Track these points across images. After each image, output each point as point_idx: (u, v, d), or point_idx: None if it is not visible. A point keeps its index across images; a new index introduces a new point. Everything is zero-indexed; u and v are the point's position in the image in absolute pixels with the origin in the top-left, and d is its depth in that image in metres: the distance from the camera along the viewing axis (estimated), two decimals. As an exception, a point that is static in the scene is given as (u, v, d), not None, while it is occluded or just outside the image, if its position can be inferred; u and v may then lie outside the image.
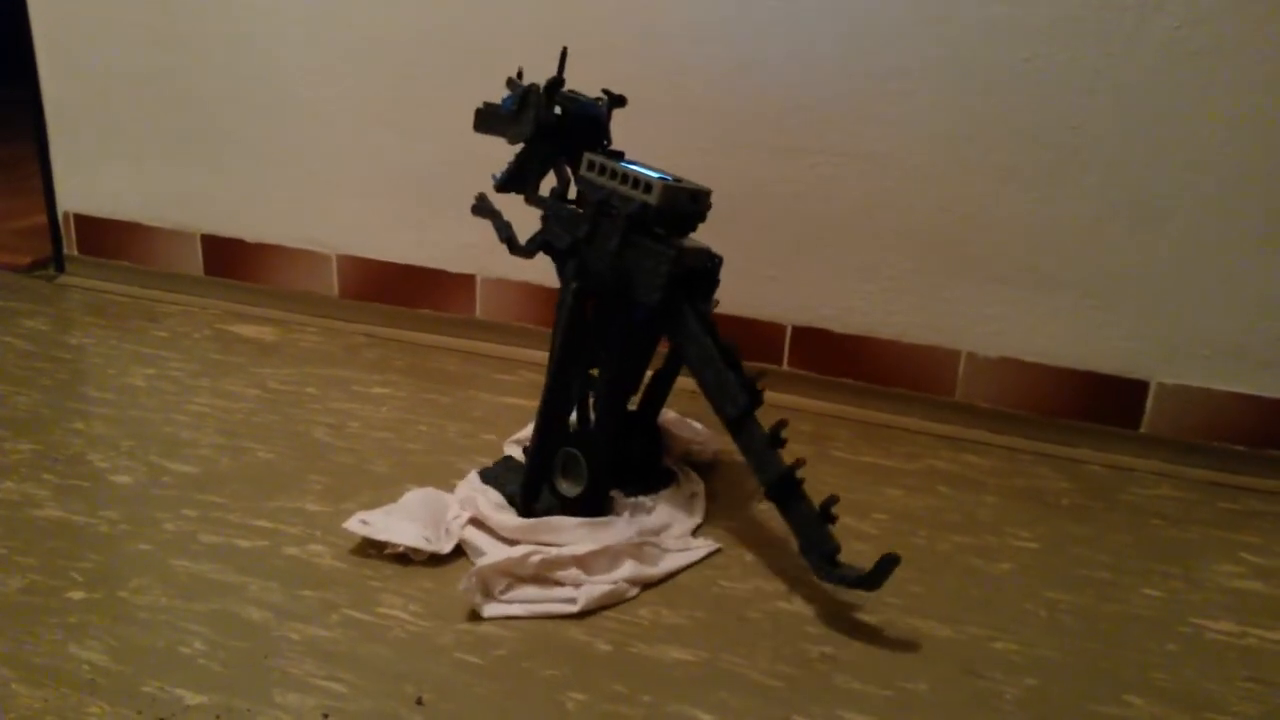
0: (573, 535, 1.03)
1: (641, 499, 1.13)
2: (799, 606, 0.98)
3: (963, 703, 0.87)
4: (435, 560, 1.02)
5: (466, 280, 1.59)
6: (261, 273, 1.70)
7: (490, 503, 1.08)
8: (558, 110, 1.09)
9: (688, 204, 1.05)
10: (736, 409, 1.01)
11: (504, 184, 1.13)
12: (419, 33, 1.50)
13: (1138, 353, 1.32)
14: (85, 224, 1.78)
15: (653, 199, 1.02)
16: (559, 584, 0.98)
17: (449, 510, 1.08)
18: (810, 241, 1.41)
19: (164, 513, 1.08)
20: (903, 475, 1.26)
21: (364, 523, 1.03)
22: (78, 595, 0.94)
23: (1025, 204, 1.31)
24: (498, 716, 0.82)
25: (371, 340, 1.60)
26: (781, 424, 1.01)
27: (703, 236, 1.09)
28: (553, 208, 1.11)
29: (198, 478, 1.16)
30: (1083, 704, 0.87)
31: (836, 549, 0.96)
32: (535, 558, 0.98)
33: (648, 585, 1.01)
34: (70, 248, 1.81)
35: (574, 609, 0.96)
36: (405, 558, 1.02)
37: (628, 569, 1.00)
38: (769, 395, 1.46)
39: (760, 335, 1.46)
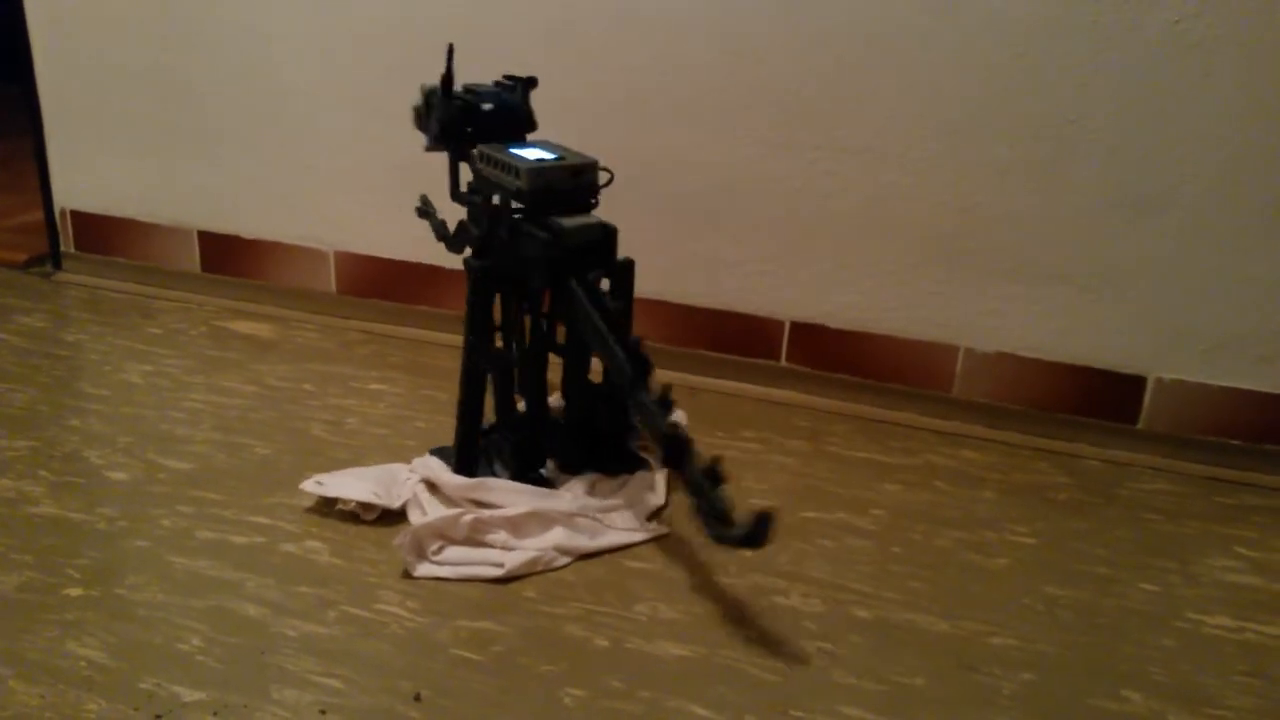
0: (508, 498, 1.06)
1: (597, 477, 1.14)
2: (796, 602, 0.98)
3: (960, 697, 0.87)
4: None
5: (463, 276, 1.58)
6: (258, 269, 1.70)
7: (441, 465, 1.12)
8: (459, 107, 1.11)
9: (565, 181, 1.06)
10: (623, 379, 1.01)
11: (452, 194, 1.17)
12: (416, 28, 1.50)
13: (1135, 347, 1.32)
14: (82, 220, 1.78)
15: (521, 183, 1.03)
16: (489, 546, 1.01)
17: (401, 475, 1.13)
18: (808, 237, 1.40)
19: (160, 509, 1.08)
20: (900, 471, 1.26)
21: (319, 483, 1.09)
22: (75, 592, 0.94)
23: (1023, 198, 1.31)
24: (496, 712, 0.82)
25: (369, 336, 1.60)
26: (668, 388, 1.01)
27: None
28: (467, 201, 1.14)
29: (194, 474, 1.15)
30: (1080, 699, 0.87)
31: (726, 508, 0.92)
32: (467, 518, 1.02)
33: (583, 556, 1.02)
34: (67, 244, 1.80)
35: (500, 573, 0.98)
36: (356, 516, 1.06)
37: (557, 536, 1.02)
38: (767, 391, 1.47)
39: (758, 331, 1.46)
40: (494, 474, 1.12)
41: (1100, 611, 1.00)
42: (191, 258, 1.73)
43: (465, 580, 0.98)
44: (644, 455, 1.21)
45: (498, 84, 1.16)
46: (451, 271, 1.59)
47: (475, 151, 1.11)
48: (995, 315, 1.36)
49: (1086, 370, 1.34)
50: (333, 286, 1.66)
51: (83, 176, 1.76)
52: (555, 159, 1.06)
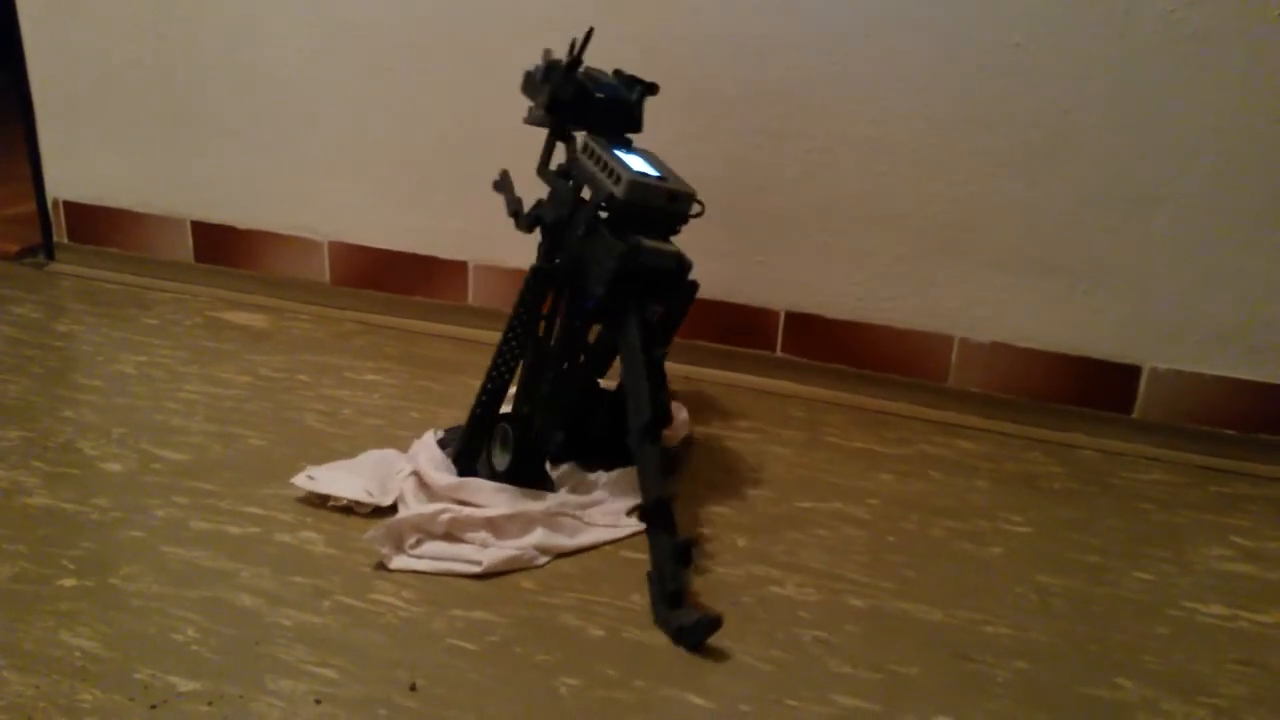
0: (490, 499, 1.06)
1: (585, 474, 1.14)
2: (791, 591, 0.99)
3: (954, 686, 0.87)
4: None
5: (459, 267, 1.58)
6: (253, 259, 1.69)
7: (432, 460, 1.11)
8: (575, 89, 1.08)
9: (661, 202, 1.04)
10: (639, 422, 1.01)
11: (540, 163, 1.13)
12: (411, 17, 1.49)
13: (1130, 337, 1.32)
14: (75, 211, 1.77)
15: (619, 191, 1.01)
16: (468, 544, 1.01)
17: (396, 466, 1.13)
18: (803, 227, 1.40)
19: (155, 500, 1.08)
20: (895, 460, 1.26)
21: (310, 478, 1.08)
22: (69, 583, 0.94)
23: (1018, 189, 1.31)
24: (491, 702, 0.82)
25: (363, 327, 1.60)
26: (675, 454, 1.02)
27: (699, 221, 1.09)
28: (553, 183, 1.11)
29: (189, 465, 1.15)
30: (1073, 687, 0.88)
31: (678, 591, 0.92)
32: (445, 515, 1.02)
33: (561, 555, 1.02)
34: (60, 235, 1.79)
35: (477, 570, 0.98)
36: (349, 510, 1.06)
37: (538, 536, 1.02)
38: (762, 381, 1.47)
39: (753, 321, 1.46)
40: (492, 460, 1.12)
41: (1094, 600, 1.00)
42: (185, 248, 1.73)
43: (442, 575, 0.98)
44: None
45: (617, 74, 1.14)
46: (446, 262, 1.59)
47: (582, 140, 1.08)
48: (990, 305, 1.36)
49: (1081, 360, 1.34)
50: (327, 277, 1.66)
51: (75, 167, 1.75)
52: (657, 176, 1.04)
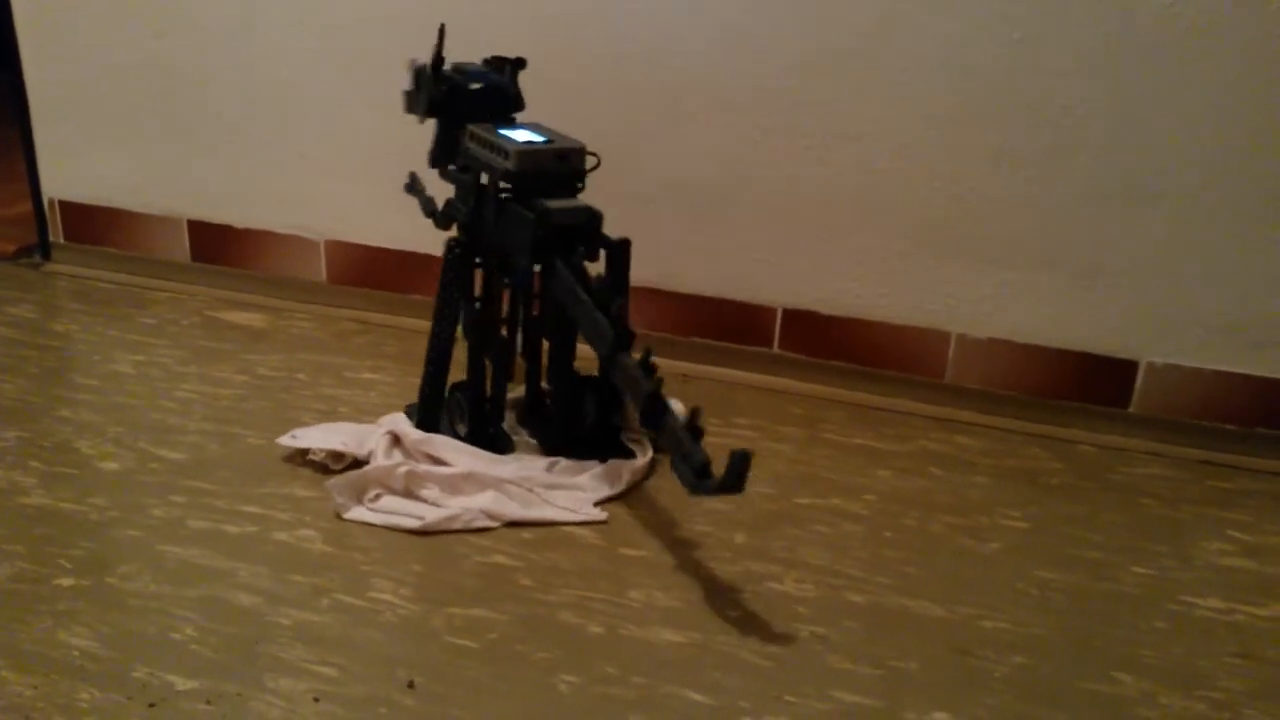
0: (451, 456, 1.10)
1: (559, 460, 1.15)
2: (790, 587, 0.99)
3: (954, 681, 0.87)
4: (427, 545, 1.01)
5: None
6: (250, 259, 1.69)
7: (407, 420, 1.18)
8: (447, 87, 1.13)
9: (552, 164, 1.08)
10: (605, 346, 1.02)
11: (430, 161, 1.19)
12: (407, 15, 1.49)
13: (1128, 333, 1.32)
14: (71, 211, 1.77)
15: (510, 164, 1.05)
16: (421, 500, 1.05)
17: (372, 430, 1.18)
18: (801, 224, 1.40)
19: (152, 499, 1.08)
20: (894, 457, 1.26)
21: (294, 436, 1.15)
22: (67, 582, 0.94)
23: (1016, 184, 1.31)
24: (490, 699, 0.82)
25: (361, 326, 1.59)
26: (649, 351, 1.00)
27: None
28: (455, 179, 1.16)
29: (186, 464, 1.15)
30: (1073, 681, 0.88)
31: (705, 461, 0.93)
32: (402, 469, 1.06)
33: (515, 524, 1.05)
34: (56, 235, 1.79)
35: (418, 525, 1.02)
36: (325, 467, 1.11)
37: (486, 499, 1.05)
38: (760, 378, 1.47)
39: (751, 318, 1.46)
40: (453, 431, 1.17)
41: (1092, 595, 1.00)
42: (182, 247, 1.72)
43: (389, 529, 1.02)
44: (631, 447, 1.20)
45: (486, 63, 1.17)
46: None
47: (466, 130, 1.12)
48: (988, 301, 1.36)
49: (1079, 355, 1.34)
50: (324, 276, 1.66)
51: (71, 166, 1.75)
52: (544, 142, 1.08)
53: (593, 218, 1.08)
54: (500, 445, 1.17)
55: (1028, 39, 1.26)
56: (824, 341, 1.44)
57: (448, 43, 1.12)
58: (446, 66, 1.15)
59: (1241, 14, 1.18)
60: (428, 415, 1.20)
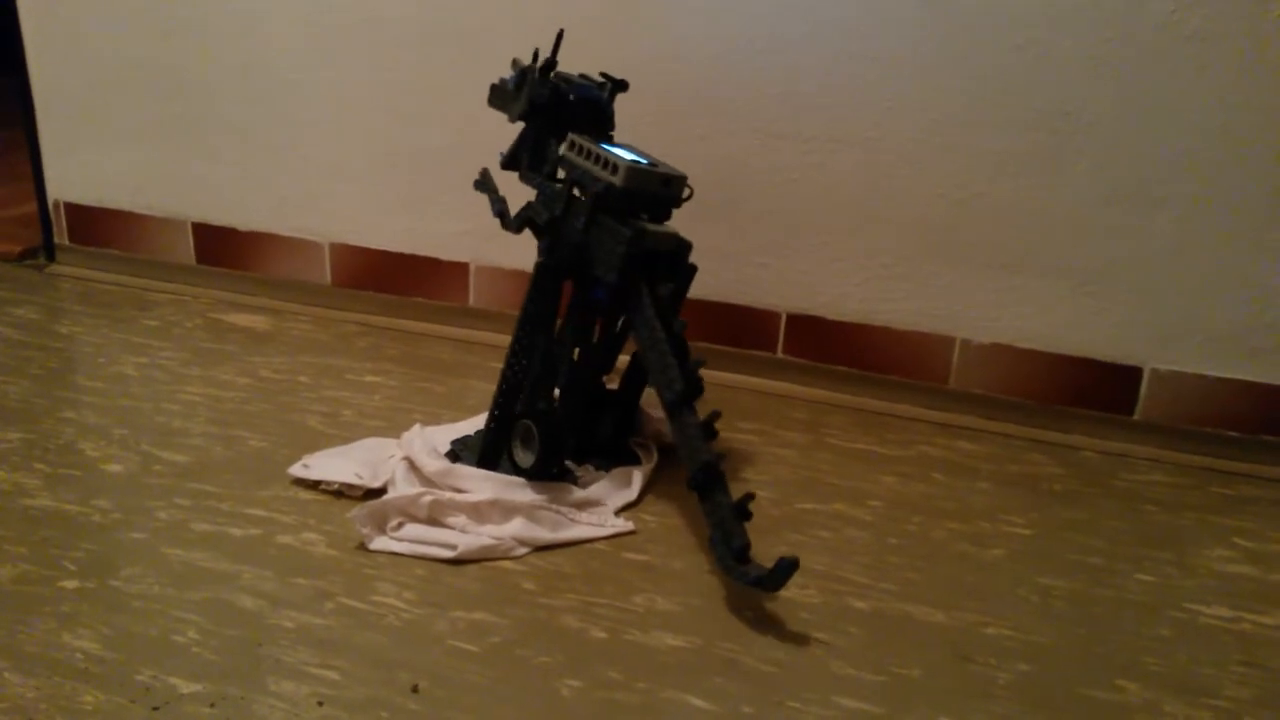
0: (476, 485, 1.07)
1: (579, 472, 1.14)
2: (793, 593, 0.98)
3: (956, 688, 0.87)
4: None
5: (460, 268, 1.58)
6: (253, 261, 1.69)
7: (424, 445, 1.13)
8: (551, 91, 1.11)
9: (656, 187, 1.07)
10: (672, 394, 1.02)
11: (505, 162, 1.16)
12: (412, 18, 1.49)
13: (1132, 339, 1.32)
14: (76, 212, 1.77)
15: (617, 180, 1.05)
16: (448, 528, 1.03)
17: (388, 451, 1.15)
18: (804, 228, 1.40)
19: (156, 501, 1.08)
20: (897, 462, 1.26)
21: (305, 466, 1.11)
22: (70, 584, 0.94)
23: (1019, 190, 1.31)
24: (493, 704, 0.82)
25: (365, 329, 1.60)
26: (715, 415, 1.03)
27: (696, 222, 1.09)
28: (539, 185, 1.13)
29: (190, 466, 1.15)
30: (1075, 689, 0.88)
31: (746, 545, 0.95)
32: (427, 498, 1.03)
33: (543, 547, 1.03)
34: (61, 236, 1.79)
35: (451, 554, 1.00)
36: (341, 494, 1.09)
37: (516, 526, 1.03)
38: (764, 383, 1.47)
39: (754, 323, 1.46)
40: (513, 460, 1.12)
41: (1096, 602, 1.00)
42: (186, 250, 1.73)
43: (417, 558, 1.00)
44: (636, 451, 1.20)
45: (583, 77, 1.17)
46: (448, 264, 1.59)
47: (569, 138, 1.11)
48: (992, 307, 1.36)
49: (1083, 361, 1.34)
50: (328, 278, 1.66)
51: (76, 168, 1.75)
52: (648, 164, 1.07)
53: (681, 246, 1.08)
54: (569, 478, 1.12)
55: (1031, 45, 1.26)
56: (828, 346, 1.44)
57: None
58: (552, 72, 1.13)
59: (1244, 21, 1.18)
60: (495, 445, 1.12)
